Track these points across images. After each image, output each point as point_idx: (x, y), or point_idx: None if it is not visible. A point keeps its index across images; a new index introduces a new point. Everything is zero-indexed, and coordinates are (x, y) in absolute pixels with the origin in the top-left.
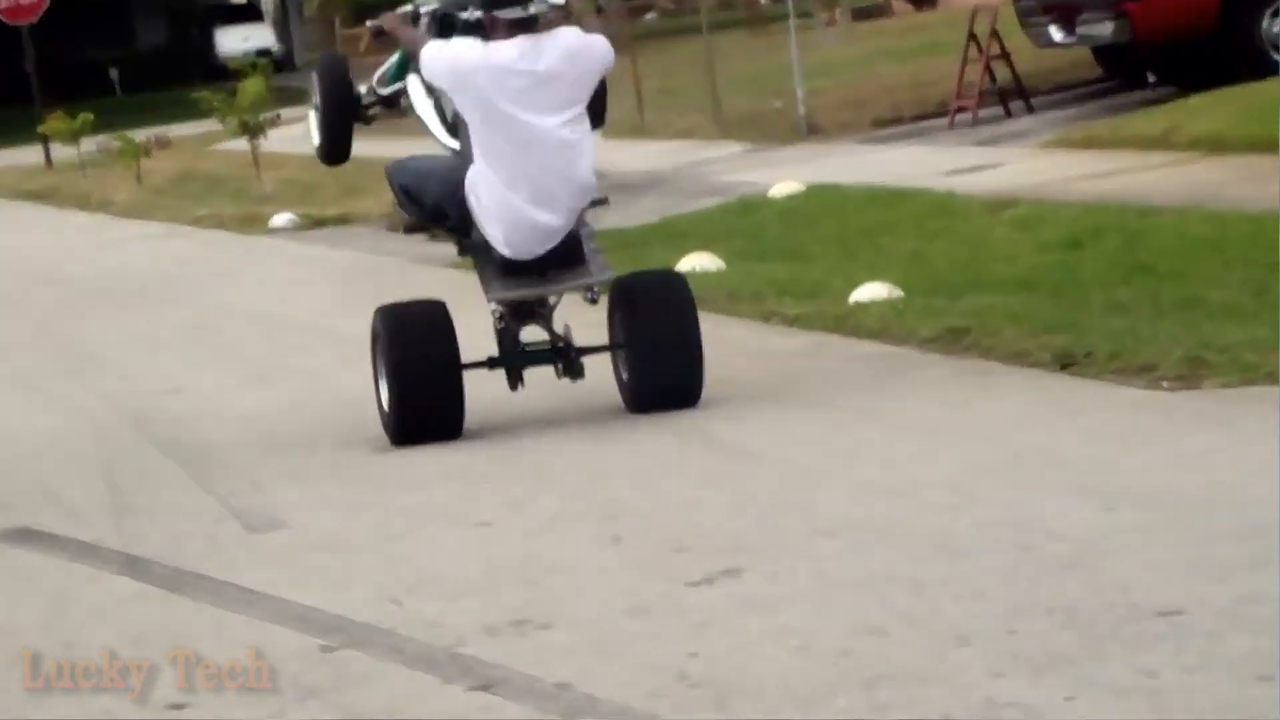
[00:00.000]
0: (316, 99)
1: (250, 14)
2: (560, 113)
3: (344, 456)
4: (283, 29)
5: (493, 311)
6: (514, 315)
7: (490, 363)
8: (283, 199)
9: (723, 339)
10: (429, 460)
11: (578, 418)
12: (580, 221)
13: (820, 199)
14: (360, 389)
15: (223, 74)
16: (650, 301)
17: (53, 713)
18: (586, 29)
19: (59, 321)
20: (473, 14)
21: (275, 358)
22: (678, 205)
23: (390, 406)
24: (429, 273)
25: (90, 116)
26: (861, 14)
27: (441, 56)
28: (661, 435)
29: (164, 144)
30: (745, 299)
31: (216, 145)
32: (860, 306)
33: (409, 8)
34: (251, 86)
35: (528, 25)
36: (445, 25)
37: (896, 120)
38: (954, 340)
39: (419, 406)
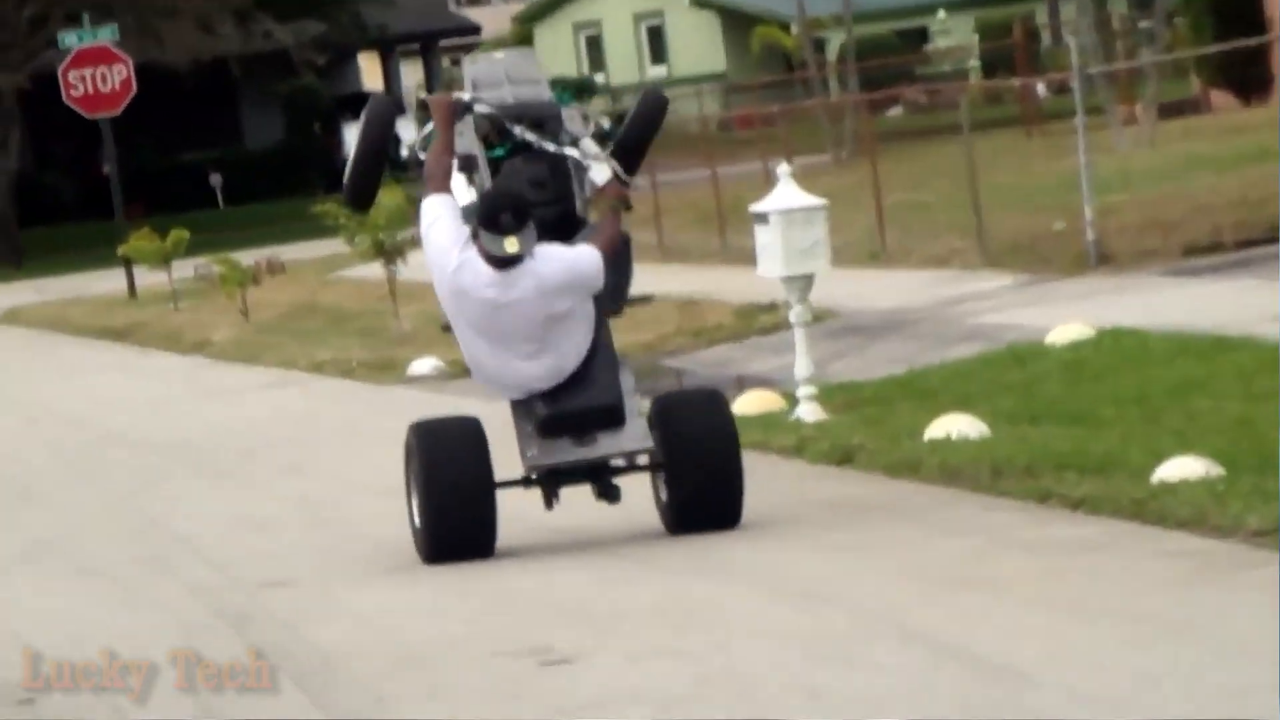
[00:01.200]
0: (357, 138)
1: None
2: (512, 346)
3: (497, 668)
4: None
5: (528, 472)
6: (549, 480)
7: (525, 481)
8: (425, 340)
9: (985, 525)
10: (599, 679)
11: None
12: (622, 375)
13: (1114, 348)
14: (527, 579)
15: None
16: (690, 420)
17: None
18: (606, 227)
19: (140, 494)
20: (522, 134)
21: (412, 543)
22: (928, 353)
23: (421, 524)
24: None
25: (185, 234)
26: (1170, 110)
27: (428, 233)
28: (907, 648)
29: (276, 269)
30: (1014, 475)
31: (343, 271)
32: (1167, 487)
33: (466, 96)
34: (388, 197)
35: (507, 263)
36: (497, 132)
37: (1215, 247)
38: None
39: (451, 524)
